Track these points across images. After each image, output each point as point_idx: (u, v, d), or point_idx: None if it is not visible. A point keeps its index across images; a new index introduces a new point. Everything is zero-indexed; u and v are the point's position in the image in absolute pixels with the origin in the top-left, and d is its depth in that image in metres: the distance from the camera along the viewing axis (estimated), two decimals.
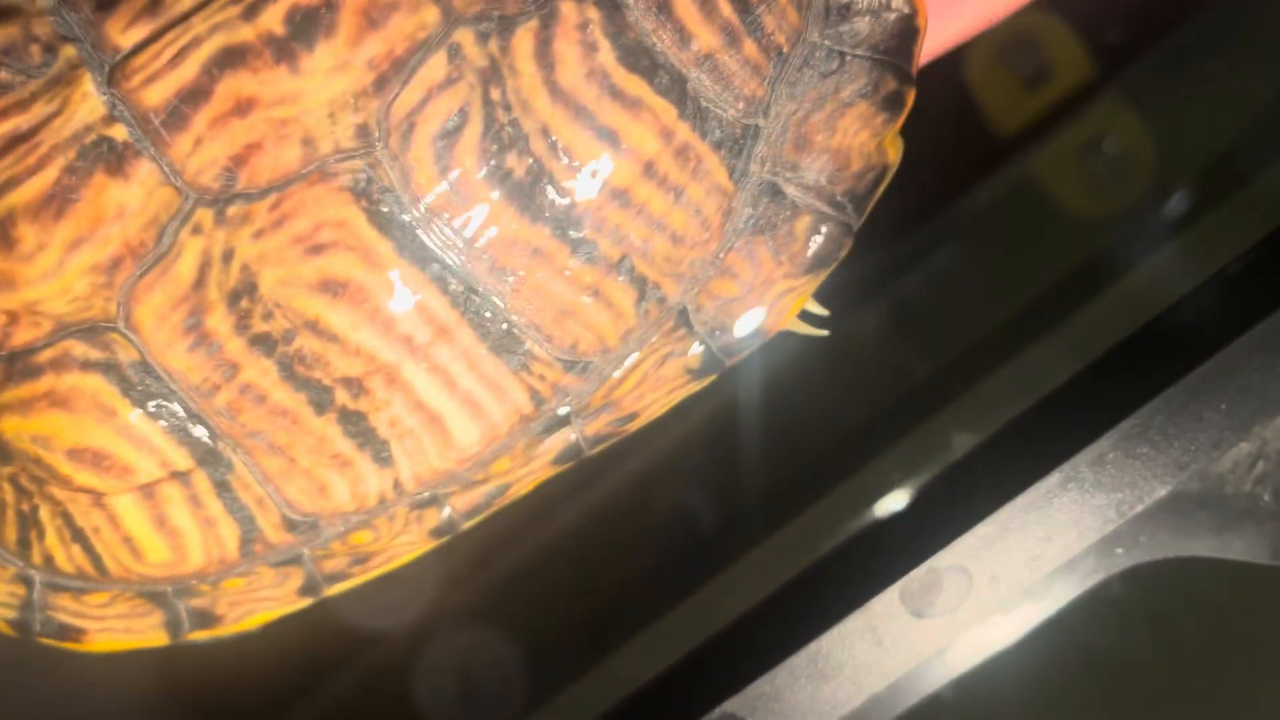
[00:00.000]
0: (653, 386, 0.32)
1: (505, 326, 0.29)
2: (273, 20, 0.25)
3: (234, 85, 0.25)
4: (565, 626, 0.51)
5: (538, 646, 0.51)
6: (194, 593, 0.31)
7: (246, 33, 0.25)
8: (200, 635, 0.32)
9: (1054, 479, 0.37)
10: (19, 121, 0.25)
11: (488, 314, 0.29)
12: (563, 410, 0.31)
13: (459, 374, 0.29)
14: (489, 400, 0.30)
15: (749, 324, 0.32)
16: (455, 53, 0.26)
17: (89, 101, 0.25)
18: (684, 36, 0.28)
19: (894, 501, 0.49)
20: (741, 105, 0.29)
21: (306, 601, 0.33)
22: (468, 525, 0.32)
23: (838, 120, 0.30)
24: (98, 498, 0.29)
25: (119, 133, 0.25)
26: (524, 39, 0.27)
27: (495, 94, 0.27)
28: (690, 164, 0.29)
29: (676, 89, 0.28)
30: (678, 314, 0.31)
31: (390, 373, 0.28)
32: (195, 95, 0.25)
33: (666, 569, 0.51)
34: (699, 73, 0.28)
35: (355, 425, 0.29)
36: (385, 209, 0.26)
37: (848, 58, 0.30)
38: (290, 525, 0.30)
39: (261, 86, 0.25)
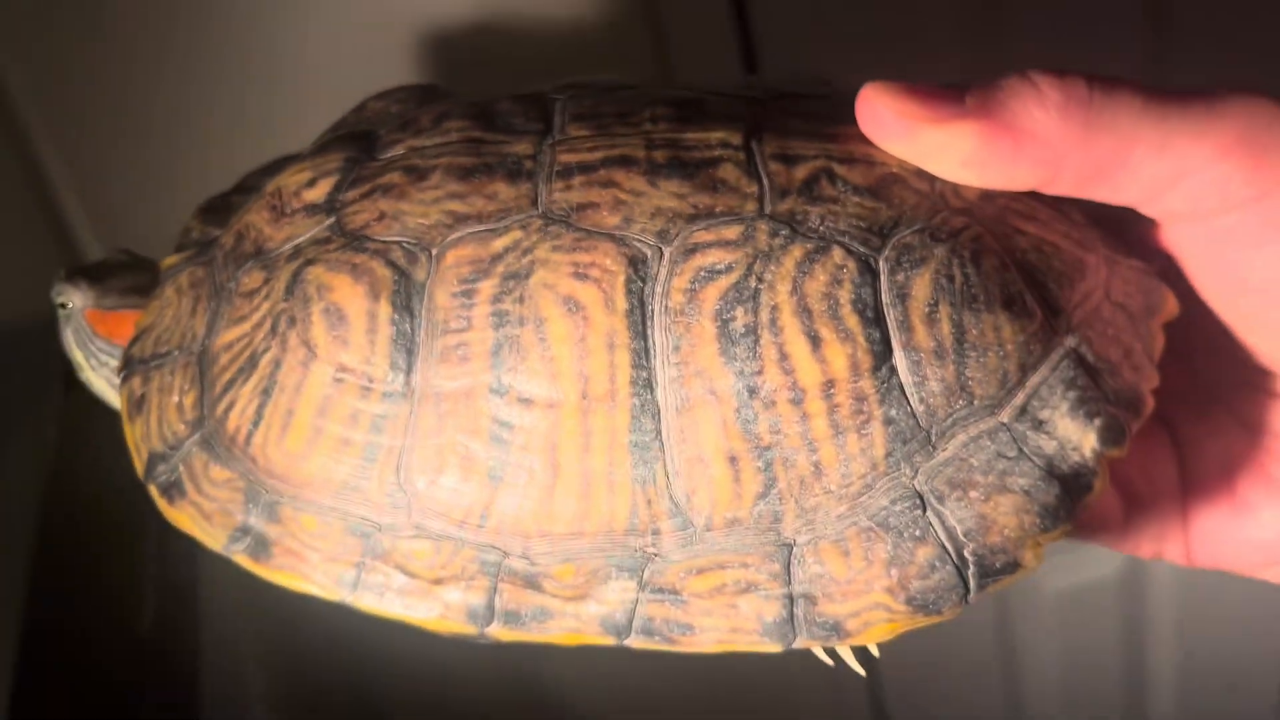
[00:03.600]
0: (722, 608, 0.33)
1: (654, 433, 0.33)
2: (662, 155, 0.35)
3: (610, 173, 0.34)
4: None
5: None
6: (271, 493, 0.35)
7: (640, 153, 0.35)
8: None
9: None
10: (481, 136, 0.36)
11: (649, 413, 0.33)
12: (640, 560, 0.33)
13: (597, 446, 0.33)
14: (601, 486, 0.33)
15: (834, 613, 0.33)
16: (750, 231, 0.33)
17: (528, 147, 0.35)
18: (905, 323, 0.33)
19: None
20: (923, 409, 0.33)
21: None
22: (494, 630, 0.34)
23: (995, 494, 0.33)
24: (309, 358, 0.34)
25: (528, 164, 0.35)
26: (799, 248, 0.33)
27: (758, 267, 0.33)
28: (860, 415, 0.33)
29: (881, 350, 0.33)
30: (781, 546, 0.33)
31: (553, 401, 0.33)
32: (586, 168, 0.35)
33: None
34: (903, 355, 0.33)
35: (501, 429, 0.33)
36: (641, 283, 0.33)
37: (1025, 454, 0.33)
38: (391, 485, 0.35)
39: (627, 179, 0.34)
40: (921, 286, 0.34)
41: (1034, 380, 0.34)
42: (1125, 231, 0.39)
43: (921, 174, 0.36)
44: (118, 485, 0.57)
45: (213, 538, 0.36)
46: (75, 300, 0.42)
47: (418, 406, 0.34)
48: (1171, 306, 0.38)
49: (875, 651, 0.35)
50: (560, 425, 0.33)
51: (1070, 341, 0.35)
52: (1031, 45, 0.65)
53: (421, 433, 0.34)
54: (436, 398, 0.34)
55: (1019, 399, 0.34)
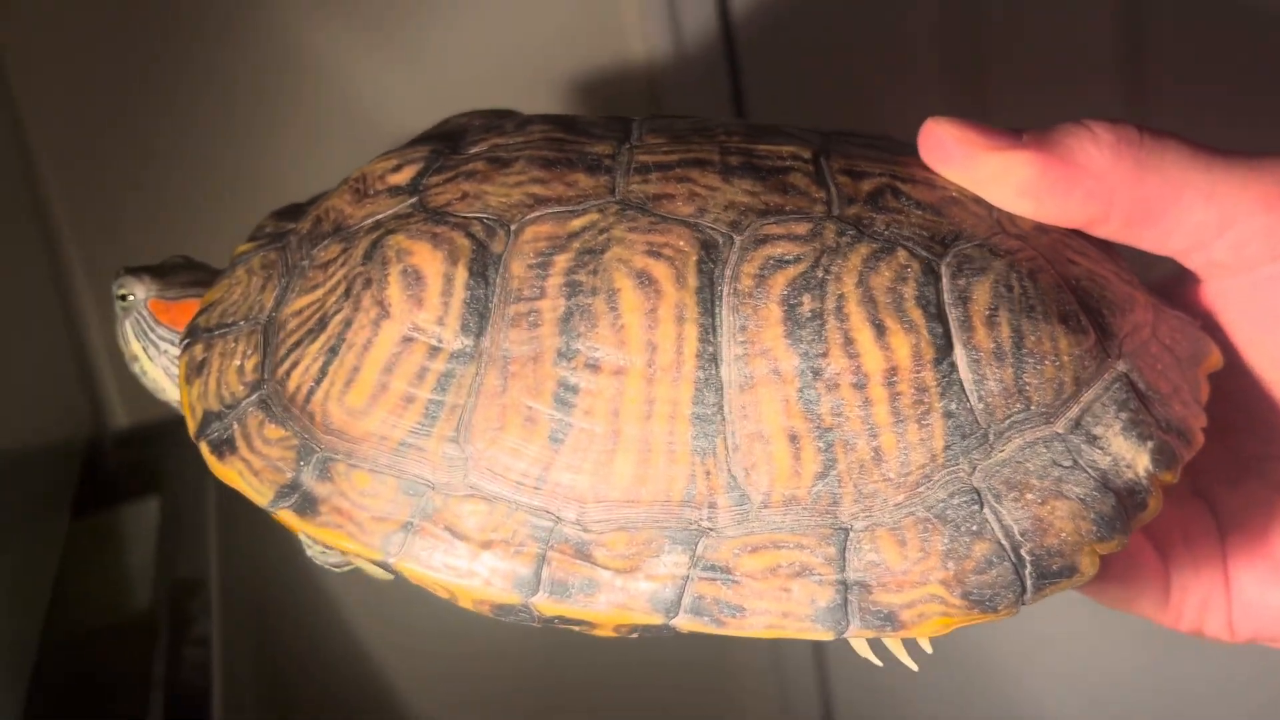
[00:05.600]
0: (774, 590, 0.33)
1: (715, 406, 0.33)
2: (736, 159, 0.37)
3: (686, 171, 0.36)
4: None
5: None
6: (325, 449, 0.35)
7: (714, 156, 0.37)
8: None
9: None
10: (563, 137, 0.38)
11: (713, 387, 0.34)
12: (695, 534, 0.33)
13: (659, 414, 0.34)
14: (660, 455, 0.33)
15: (888, 603, 0.33)
16: (818, 228, 0.35)
17: (608, 148, 0.37)
18: (967, 322, 0.34)
19: None
20: (982, 407, 0.34)
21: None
22: (538, 601, 0.33)
23: (1052, 499, 0.33)
24: (381, 317, 0.35)
25: (607, 161, 0.37)
26: (866, 246, 0.35)
27: (825, 260, 0.34)
28: (921, 406, 0.33)
29: (943, 344, 0.34)
30: (837, 530, 0.33)
31: (619, 367, 0.34)
32: (663, 166, 0.36)
33: None
34: (964, 352, 0.34)
35: (566, 393, 0.34)
36: (712, 265, 0.34)
37: (1080, 465, 0.34)
38: (449, 444, 0.35)
39: (702, 177, 0.36)
40: (982, 292, 0.35)
41: (1088, 396, 0.35)
42: (1167, 291, 0.40)
43: (980, 201, 0.37)
44: (121, 615, 0.57)
45: (260, 493, 0.36)
46: (138, 291, 0.43)
47: (485, 368, 0.34)
48: (1215, 357, 0.39)
49: (927, 647, 0.34)
50: (624, 391, 0.34)
51: (1122, 366, 0.36)
52: (1010, 110, 0.69)
53: (486, 393, 0.34)
54: (504, 360, 0.34)
55: (1074, 411, 0.35)
